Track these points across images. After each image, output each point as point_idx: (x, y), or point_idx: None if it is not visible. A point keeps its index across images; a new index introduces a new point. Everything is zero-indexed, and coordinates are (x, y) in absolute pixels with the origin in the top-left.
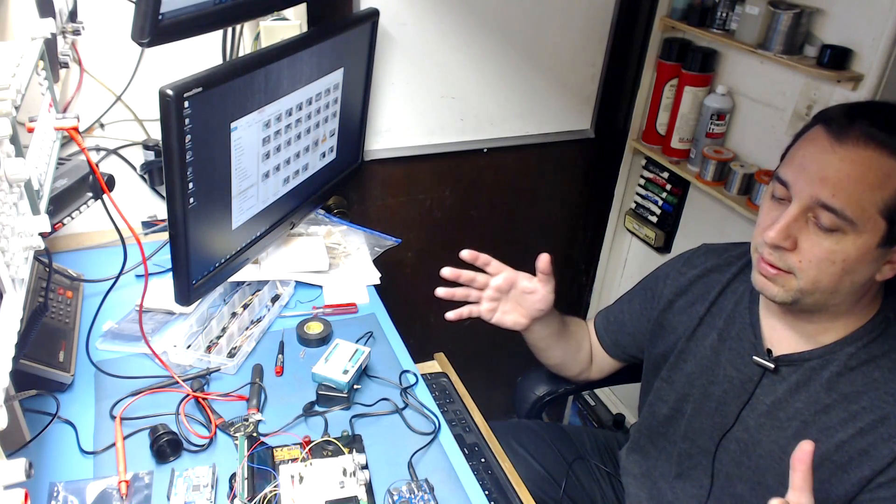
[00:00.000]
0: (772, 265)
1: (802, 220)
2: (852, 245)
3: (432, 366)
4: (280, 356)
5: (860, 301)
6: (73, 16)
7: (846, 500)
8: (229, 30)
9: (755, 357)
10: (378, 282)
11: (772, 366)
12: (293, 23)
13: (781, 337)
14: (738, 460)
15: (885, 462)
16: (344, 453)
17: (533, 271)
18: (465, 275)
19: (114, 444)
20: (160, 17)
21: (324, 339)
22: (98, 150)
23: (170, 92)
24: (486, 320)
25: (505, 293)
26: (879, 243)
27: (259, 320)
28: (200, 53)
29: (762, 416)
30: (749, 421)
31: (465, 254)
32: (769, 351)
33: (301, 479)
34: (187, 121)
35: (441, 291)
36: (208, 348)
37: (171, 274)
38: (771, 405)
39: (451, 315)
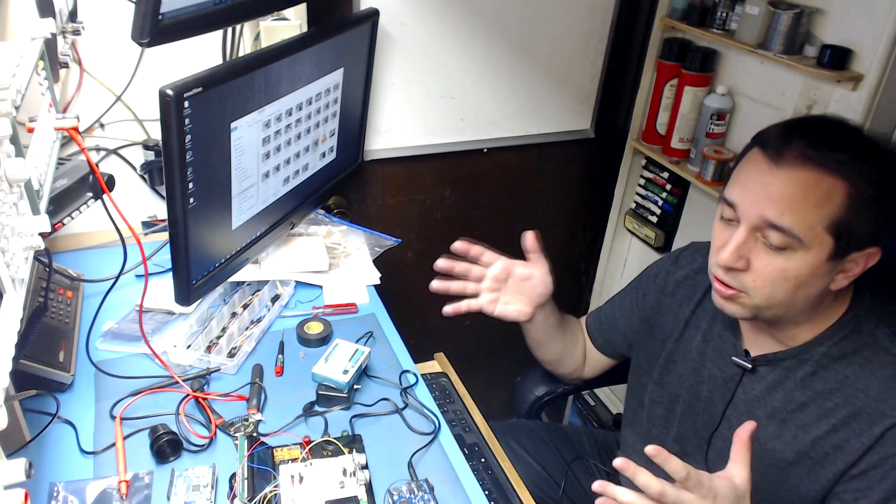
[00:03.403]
0: (726, 285)
1: (752, 239)
2: (802, 261)
3: (432, 366)
4: (280, 356)
5: (820, 307)
6: (73, 16)
7: (822, 495)
8: (229, 30)
9: (734, 357)
10: (378, 282)
11: (749, 366)
12: (293, 23)
13: (757, 339)
14: (725, 458)
15: (857, 455)
16: (344, 453)
17: None
18: (459, 266)
19: (114, 444)
20: (160, 17)
21: (324, 339)
22: (98, 150)
23: (170, 92)
24: (489, 313)
25: (503, 283)
26: (828, 257)
27: (259, 320)
28: (200, 53)
29: (743, 414)
30: (732, 419)
31: (458, 245)
32: (747, 352)
33: (301, 479)
34: (187, 121)
35: (435, 284)
36: (208, 348)
37: (171, 274)
38: (750, 403)
39: (448, 309)
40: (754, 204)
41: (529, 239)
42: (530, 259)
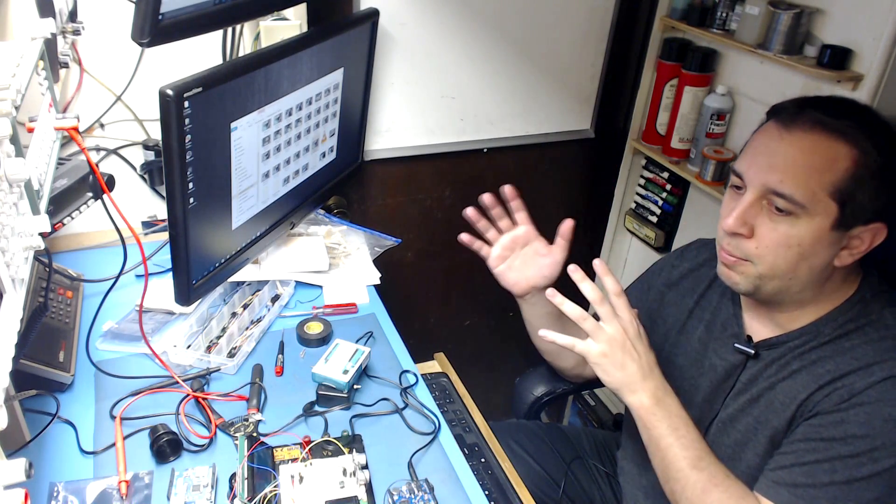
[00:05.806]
0: (730, 254)
1: (758, 206)
2: (806, 229)
3: (432, 366)
4: (280, 356)
5: (825, 287)
6: (73, 16)
7: None
8: (229, 30)
9: (736, 344)
10: (378, 282)
11: (752, 351)
12: (293, 23)
13: (760, 326)
14: (719, 441)
15: (832, 406)
16: (344, 453)
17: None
18: (487, 218)
19: (114, 444)
20: (160, 17)
21: (324, 339)
22: (98, 150)
23: (170, 92)
24: (491, 268)
25: (519, 247)
26: (833, 226)
27: (259, 320)
28: (200, 53)
29: (740, 394)
30: (731, 405)
31: (508, 189)
32: (749, 338)
33: (301, 479)
34: (187, 121)
35: (465, 238)
36: (208, 348)
37: (171, 274)
38: (748, 383)
39: (463, 237)
40: (758, 172)
41: (567, 227)
42: (556, 243)
